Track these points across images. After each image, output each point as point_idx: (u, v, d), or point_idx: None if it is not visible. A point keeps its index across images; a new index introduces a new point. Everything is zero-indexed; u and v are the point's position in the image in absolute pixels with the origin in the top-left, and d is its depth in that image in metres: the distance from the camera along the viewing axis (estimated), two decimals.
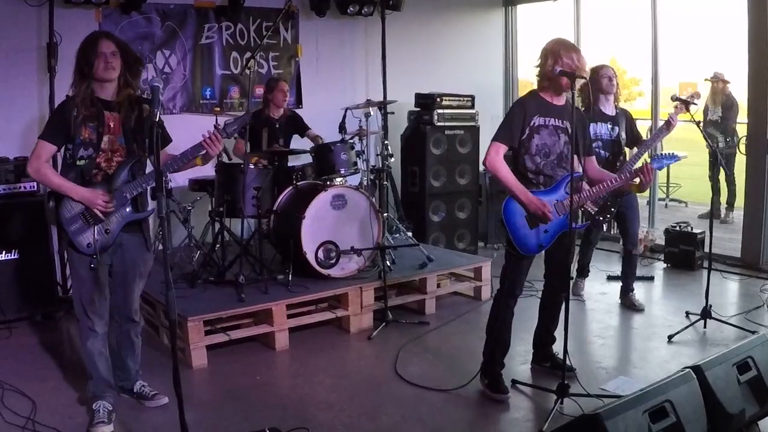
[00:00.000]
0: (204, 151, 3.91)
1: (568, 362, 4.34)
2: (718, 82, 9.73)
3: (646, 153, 5.94)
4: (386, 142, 6.63)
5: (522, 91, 8.29)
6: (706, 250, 7.64)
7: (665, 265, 7.89)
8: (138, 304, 4.37)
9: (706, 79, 9.79)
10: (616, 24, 11.39)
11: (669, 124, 5.80)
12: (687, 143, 10.50)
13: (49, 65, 6.51)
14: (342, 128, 6.58)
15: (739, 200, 10.23)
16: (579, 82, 4.34)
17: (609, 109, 6.08)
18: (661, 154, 4.78)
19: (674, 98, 5.78)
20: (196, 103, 7.55)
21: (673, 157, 4.74)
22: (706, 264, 7.45)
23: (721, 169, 9.33)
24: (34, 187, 6.09)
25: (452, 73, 9.16)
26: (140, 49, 7.05)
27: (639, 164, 5.39)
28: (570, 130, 4.44)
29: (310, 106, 7.99)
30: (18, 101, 6.58)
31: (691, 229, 7.87)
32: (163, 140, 4.07)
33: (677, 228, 7.93)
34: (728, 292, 6.98)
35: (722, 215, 10.29)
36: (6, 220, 5.93)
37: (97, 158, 3.95)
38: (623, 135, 6.05)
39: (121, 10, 6.96)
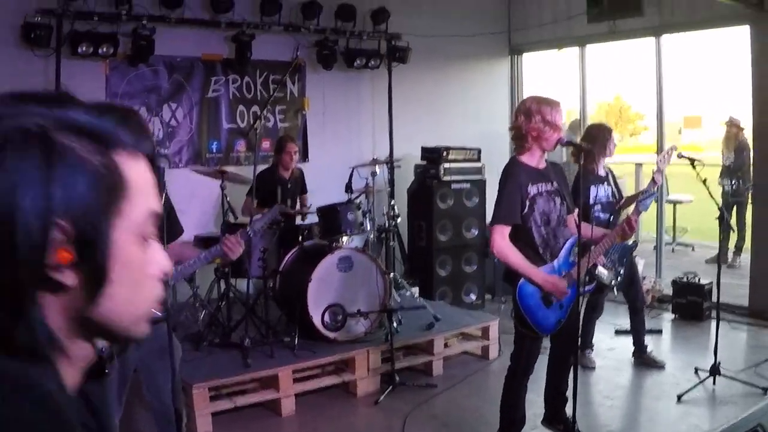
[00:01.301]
0: (223, 254, 3.70)
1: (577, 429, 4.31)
2: (732, 126, 9.69)
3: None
4: (393, 202, 6.59)
5: None
6: (714, 300, 7.67)
7: (673, 316, 7.81)
8: (181, 399, 3.93)
9: (721, 123, 9.79)
10: (620, 61, 11.45)
11: (654, 183, 5.65)
12: (691, 181, 10.46)
13: None
14: (349, 188, 6.53)
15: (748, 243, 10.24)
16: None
17: (602, 170, 6.00)
18: (640, 194, 4.81)
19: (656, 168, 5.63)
20: (203, 157, 7.52)
21: (652, 194, 4.88)
22: (714, 314, 7.46)
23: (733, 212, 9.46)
24: None
25: (458, 124, 9.17)
26: (147, 102, 7.06)
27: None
28: (560, 190, 4.39)
29: (316, 160, 7.98)
30: None
31: (699, 280, 7.80)
32: (173, 231, 3.93)
33: (684, 279, 7.88)
34: (737, 343, 6.92)
35: (729, 259, 10.22)
36: None
37: None
38: (615, 193, 6.02)
39: (128, 62, 6.96)
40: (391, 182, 7.92)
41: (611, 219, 5.85)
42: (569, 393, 4.63)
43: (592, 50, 9.33)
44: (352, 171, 6.62)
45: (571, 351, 4.60)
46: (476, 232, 8.30)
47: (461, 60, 9.52)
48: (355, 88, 8.56)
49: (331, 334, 5.93)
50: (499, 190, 4.34)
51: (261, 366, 5.45)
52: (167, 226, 3.82)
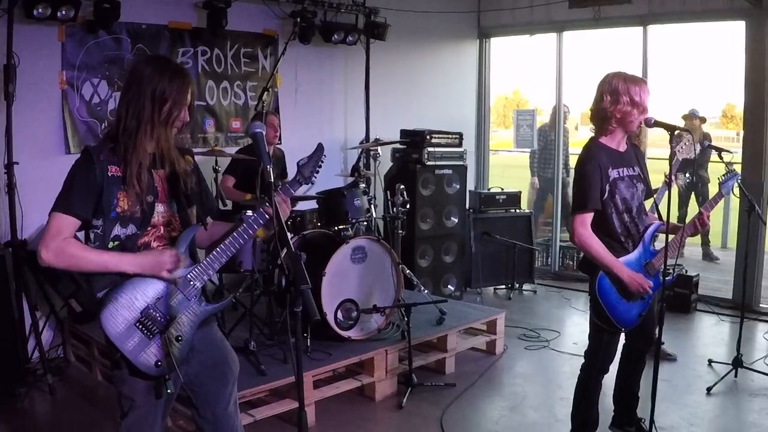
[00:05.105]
0: (267, 219, 2.91)
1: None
2: (695, 119, 9.59)
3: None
4: (401, 187, 5.98)
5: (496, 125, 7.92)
6: (701, 292, 7.67)
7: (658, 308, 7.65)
8: (239, 422, 3.25)
9: (682, 116, 9.63)
10: (599, 57, 11.20)
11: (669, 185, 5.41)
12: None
13: (6, 91, 5.48)
14: (356, 170, 5.90)
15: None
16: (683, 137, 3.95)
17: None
18: (723, 178, 4.47)
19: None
20: None
21: (735, 175, 4.54)
22: (700, 307, 7.47)
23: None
24: None
25: (427, 107, 8.75)
26: (108, 74, 6.20)
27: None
28: (643, 175, 4.08)
29: (287, 141, 7.21)
30: None
31: (686, 271, 7.65)
32: (209, 206, 3.21)
33: (671, 271, 7.68)
34: (731, 336, 6.75)
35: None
36: None
37: (146, 236, 2.88)
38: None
39: (86, 29, 6.03)
40: (367, 166, 7.29)
41: None
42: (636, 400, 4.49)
43: (570, 38, 9.00)
44: (362, 153, 6.00)
45: (648, 347, 4.35)
46: (456, 221, 7.88)
47: (432, 40, 9.07)
48: (329, 66, 7.89)
49: (344, 333, 5.36)
50: (577, 175, 3.98)
51: (278, 373, 4.79)
52: (199, 200, 3.10)
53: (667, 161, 4.07)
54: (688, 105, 10.34)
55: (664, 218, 4.10)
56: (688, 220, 4.23)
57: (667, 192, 5.14)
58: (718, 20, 8.02)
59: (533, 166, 9.86)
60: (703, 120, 9.62)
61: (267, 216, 2.88)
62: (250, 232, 2.91)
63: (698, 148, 8.82)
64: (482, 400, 5.30)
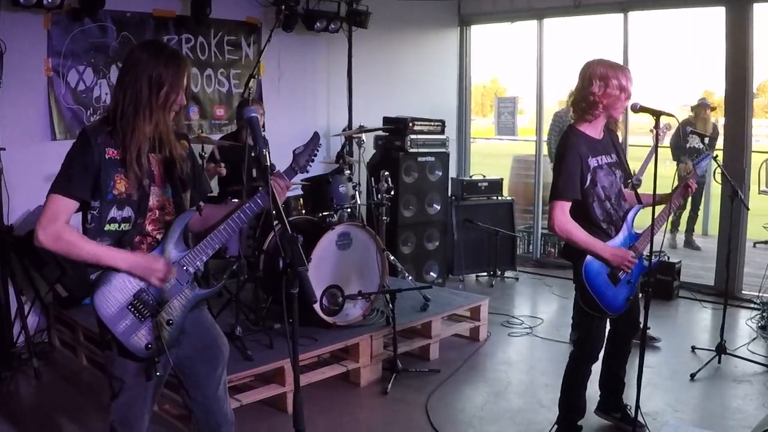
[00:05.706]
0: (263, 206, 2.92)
1: (640, 418, 3.98)
2: (707, 109, 9.45)
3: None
4: (386, 173, 6.02)
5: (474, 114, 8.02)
6: (683, 279, 7.77)
7: (640, 296, 7.73)
8: (228, 405, 3.27)
9: (692, 107, 9.54)
10: (579, 44, 11.21)
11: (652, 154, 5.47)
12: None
13: None
14: (341, 157, 5.93)
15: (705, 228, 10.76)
16: (664, 120, 3.99)
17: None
18: (697, 158, 4.54)
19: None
20: None
21: (707, 155, 4.57)
22: (682, 293, 7.51)
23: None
24: None
25: (409, 95, 8.79)
26: (93, 62, 6.19)
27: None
28: (621, 162, 4.11)
29: (271, 129, 7.22)
30: None
31: (668, 258, 7.74)
32: (202, 191, 3.20)
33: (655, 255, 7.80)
34: (713, 322, 6.87)
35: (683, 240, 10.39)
36: None
37: (145, 222, 2.89)
38: None
39: (71, 16, 6.02)
40: (350, 153, 7.34)
41: None
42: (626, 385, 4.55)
43: (550, 24, 9.02)
44: (346, 140, 6.02)
45: (634, 332, 4.39)
46: (438, 208, 7.92)
47: (414, 28, 9.10)
48: (311, 54, 7.93)
49: (330, 319, 5.39)
50: (557, 163, 4.01)
51: (264, 359, 4.84)
52: (193, 184, 3.11)
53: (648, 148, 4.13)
54: (667, 92, 10.32)
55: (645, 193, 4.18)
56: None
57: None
58: (698, 6, 8.15)
59: (551, 152, 9.81)
60: (713, 109, 9.53)
61: (267, 198, 2.82)
62: (244, 218, 2.93)
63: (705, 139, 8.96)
64: (467, 386, 5.36)
